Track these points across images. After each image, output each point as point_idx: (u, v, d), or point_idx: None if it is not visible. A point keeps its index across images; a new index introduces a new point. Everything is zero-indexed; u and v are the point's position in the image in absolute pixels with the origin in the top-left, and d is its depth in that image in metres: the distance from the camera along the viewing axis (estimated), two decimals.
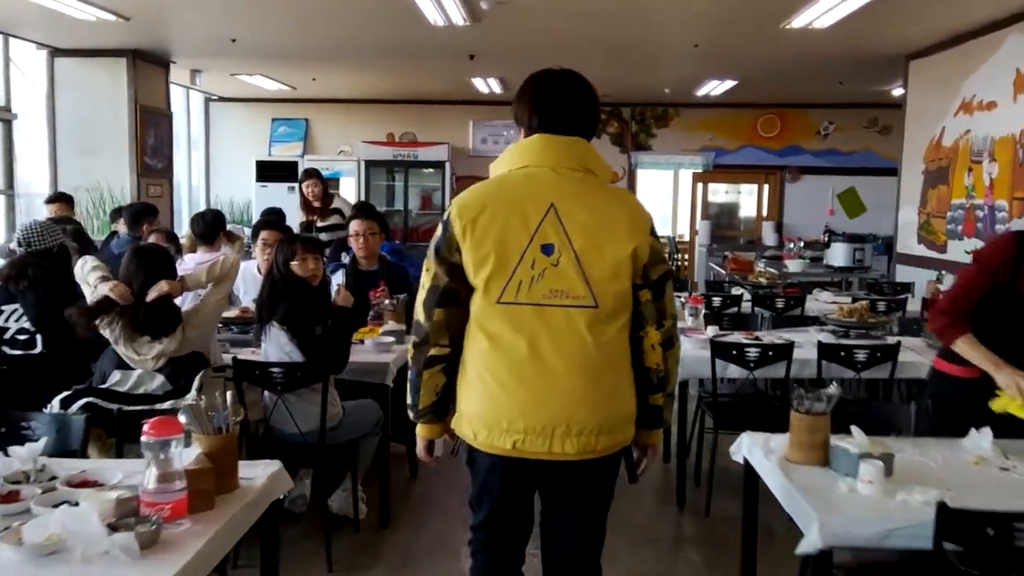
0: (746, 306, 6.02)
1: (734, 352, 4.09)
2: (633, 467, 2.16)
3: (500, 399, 1.95)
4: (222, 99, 11.80)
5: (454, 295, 2.00)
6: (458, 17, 6.29)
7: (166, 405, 3.31)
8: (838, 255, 8.00)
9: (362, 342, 4.21)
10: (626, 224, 2.00)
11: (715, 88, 9.78)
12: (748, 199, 12.00)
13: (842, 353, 4.06)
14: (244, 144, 11.69)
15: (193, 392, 3.29)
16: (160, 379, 3.32)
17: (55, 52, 7.91)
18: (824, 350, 4.07)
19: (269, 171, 11.19)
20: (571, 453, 1.95)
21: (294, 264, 3.59)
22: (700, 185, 11.88)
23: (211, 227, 5.57)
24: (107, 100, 7.96)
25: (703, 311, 4.59)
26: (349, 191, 11.39)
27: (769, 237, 11.27)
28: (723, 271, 8.62)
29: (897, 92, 9.81)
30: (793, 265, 8.17)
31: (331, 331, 3.55)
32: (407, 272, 4.89)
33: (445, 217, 2.02)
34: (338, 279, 4.23)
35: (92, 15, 6.35)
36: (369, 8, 6.34)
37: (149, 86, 8.23)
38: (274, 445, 3.57)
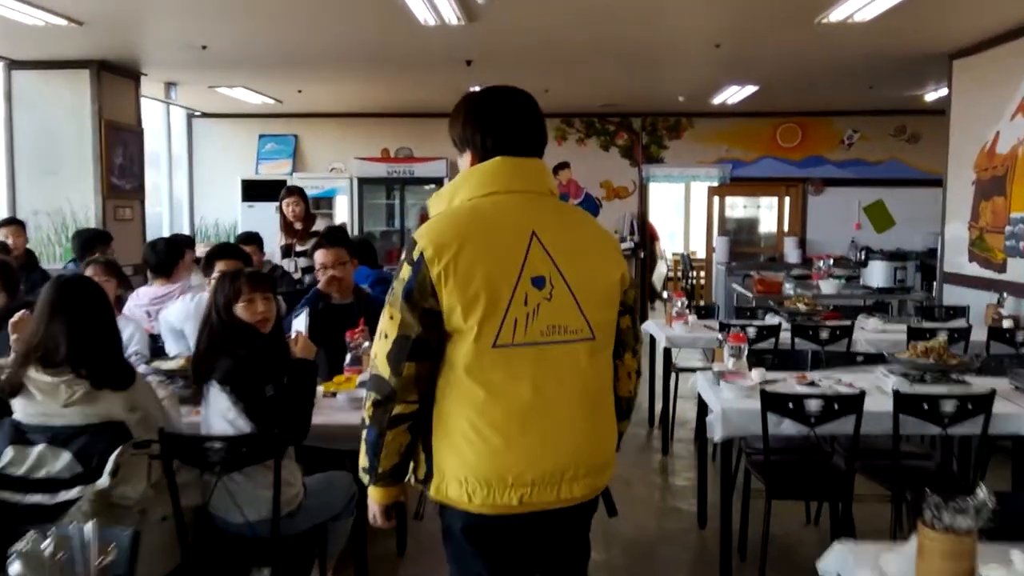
0: (784, 336, 5.28)
1: (790, 405, 3.32)
2: (611, 500, 2.03)
3: (502, 453, 1.77)
4: (205, 115, 11.11)
5: (426, 346, 1.77)
6: (451, 15, 5.57)
7: (72, 494, 2.58)
8: (877, 275, 7.24)
9: (334, 395, 3.46)
10: (610, 248, 1.97)
11: (733, 95, 9.05)
12: (768, 214, 11.25)
13: (925, 405, 3.29)
14: (230, 162, 11.00)
15: (105, 477, 2.55)
16: (66, 457, 2.58)
17: (12, 64, 7.22)
18: (902, 402, 3.30)
19: (256, 191, 10.48)
20: (579, 496, 1.85)
21: (239, 307, 2.85)
22: (716, 199, 11.14)
23: (165, 257, 4.85)
24: (69, 115, 7.25)
25: (746, 350, 3.82)
26: (343, 210, 10.71)
27: (792, 254, 10.51)
28: (747, 292, 7.86)
29: (931, 97, 9.10)
30: (827, 286, 7.42)
31: (287, 391, 2.80)
32: None
33: (415, 257, 1.75)
34: (300, 324, 3.46)
35: (41, 19, 5.64)
36: (352, 7, 5.62)
37: (116, 100, 7.52)
38: (216, 538, 2.82)
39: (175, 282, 4.88)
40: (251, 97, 9.40)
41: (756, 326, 5.31)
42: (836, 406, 3.31)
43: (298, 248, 6.65)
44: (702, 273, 12.71)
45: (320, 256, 3.91)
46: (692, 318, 5.67)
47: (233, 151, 11.10)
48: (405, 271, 1.75)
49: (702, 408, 4.11)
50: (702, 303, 7.44)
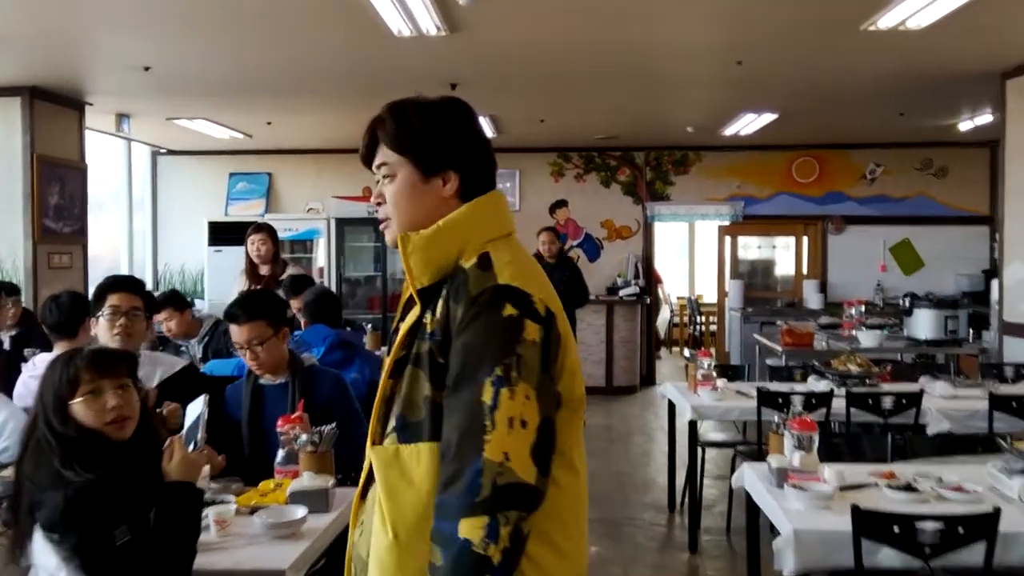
0: (837, 404, 4.33)
1: (895, 528, 2.35)
2: None
3: (582, 555, 1.38)
4: (172, 152, 10.21)
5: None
6: (429, 24, 4.68)
7: None
8: (924, 324, 6.27)
9: (251, 513, 2.48)
10: None
11: (748, 125, 8.17)
12: (785, 254, 10.32)
13: None
14: (198, 203, 10.05)
15: None
16: None
17: None
18: None
19: (224, 233, 9.48)
20: None
21: (76, 403, 1.88)
22: (728, 239, 10.21)
23: (68, 316, 3.85)
24: None
25: (816, 441, 2.85)
26: (322, 254, 9.76)
27: (813, 299, 9.57)
28: (773, 345, 6.89)
29: (965, 126, 8.26)
30: (866, 338, 6.45)
31: (153, 535, 1.82)
32: (339, 383, 3.15)
33: (541, 311, 1.31)
34: (193, 414, 2.44)
35: None
36: (314, 17, 4.74)
37: (53, 132, 6.60)
38: None
39: (84, 342, 3.90)
40: (216, 131, 8.51)
41: (802, 393, 4.35)
42: (961, 530, 2.33)
43: None
44: (711, 319, 11.76)
45: (234, 333, 2.93)
46: (721, 382, 4.70)
47: (202, 191, 10.18)
48: (533, 331, 1.30)
49: (739, 495, 3.13)
50: (713, 351, 6.49)
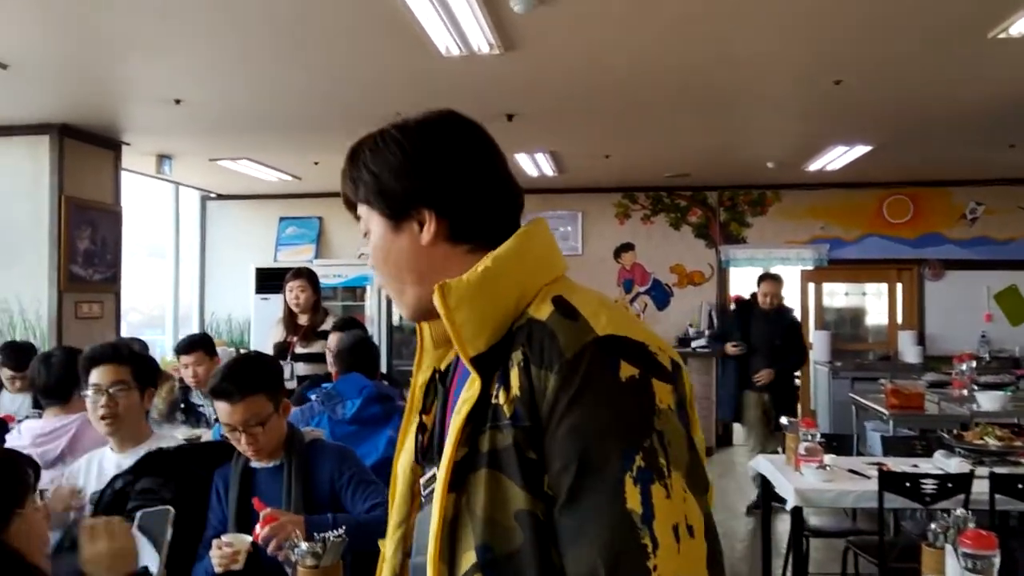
0: (978, 486, 3.53)
1: None
2: None
3: None
4: (221, 196, 9.86)
5: None
6: (480, 40, 4.10)
7: None
8: None
9: None
10: None
11: (836, 159, 7.40)
12: (876, 302, 9.39)
13: None
14: (247, 249, 9.66)
15: None
16: None
17: None
18: None
19: (271, 280, 8.98)
20: None
21: None
22: (812, 285, 9.33)
23: (60, 379, 3.31)
24: (24, 191, 5.94)
25: (996, 565, 2.07)
26: (372, 303, 9.23)
27: (909, 352, 8.62)
28: (872, 405, 6.03)
29: None
30: (986, 400, 5.56)
31: None
32: (343, 457, 2.44)
33: (668, 368, 0.98)
34: (156, 525, 1.80)
35: None
36: (356, 43, 4.20)
37: (85, 173, 6.20)
38: None
39: (73, 412, 3.33)
40: (263, 173, 8.09)
41: (935, 477, 3.54)
42: None
43: (298, 349, 5.24)
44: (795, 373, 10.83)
45: (222, 414, 2.28)
46: (829, 458, 3.90)
47: (251, 237, 9.81)
48: (665, 395, 0.94)
49: None
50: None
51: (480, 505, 0.94)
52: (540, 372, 0.94)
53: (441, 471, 0.98)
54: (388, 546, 1.15)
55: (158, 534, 1.75)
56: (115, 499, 2.25)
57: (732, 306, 7.02)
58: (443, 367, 1.14)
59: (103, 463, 2.58)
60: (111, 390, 2.60)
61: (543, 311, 0.99)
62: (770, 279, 6.54)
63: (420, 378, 1.16)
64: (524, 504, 0.93)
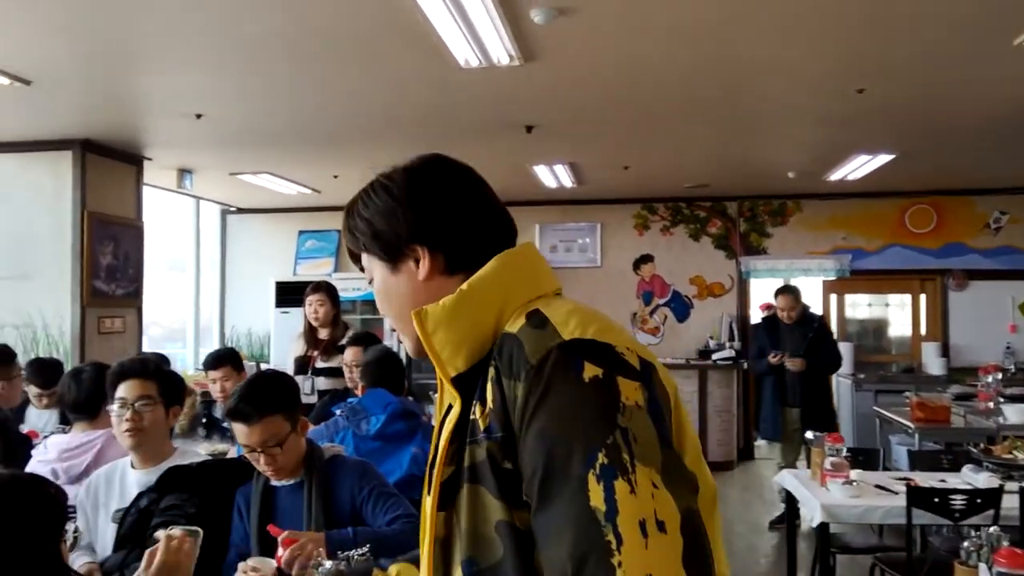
0: (1007, 501, 3.46)
1: None
2: None
3: None
4: (241, 210, 9.91)
5: None
6: (500, 51, 4.09)
7: None
8: None
9: None
10: None
11: (858, 169, 7.33)
12: (899, 313, 9.28)
13: None
14: (267, 263, 9.71)
15: None
16: None
17: None
18: None
19: (290, 294, 9.03)
20: None
21: None
22: (834, 296, 9.25)
23: (90, 395, 3.32)
24: (46, 206, 5.98)
25: None
26: None
27: (933, 364, 8.51)
28: (896, 418, 5.95)
29: None
30: (1013, 413, 5.48)
31: None
32: (363, 472, 2.42)
33: (635, 366, 0.97)
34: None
35: None
36: (375, 55, 4.20)
37: (107, 188, 6.24)
38: None
39: (99, 428, 3.33)
40: (283, 187, 8.12)
41: (964, 492, 3.48)
42: None
43: (319, 364, 5.24)
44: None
45: (240, 436, 2.27)
46: (856, 474, 3.83)
47: (271, 250, 9.85)
48: (631, 391, 0.94)
49: None
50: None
51: (464, 519, 0.97)
52: (510, 383, 0.96)
53: (432, 491, 1.01)
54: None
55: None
56: (140, 517, 2.23)
57: (759, 318, 6.92)
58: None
59: (125, 479, 2.57)
60: (136, 404, 2.61)
61: (516, 325, 1.02)
62: (783, 294, 6.45)
63: (449, 424, 1.19)
64: (502, 515, 0.95)
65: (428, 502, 1.01)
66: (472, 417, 1.00)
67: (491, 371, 1.00)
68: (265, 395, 2.24)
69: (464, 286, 1.06)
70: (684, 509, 0.89)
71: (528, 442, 0.93)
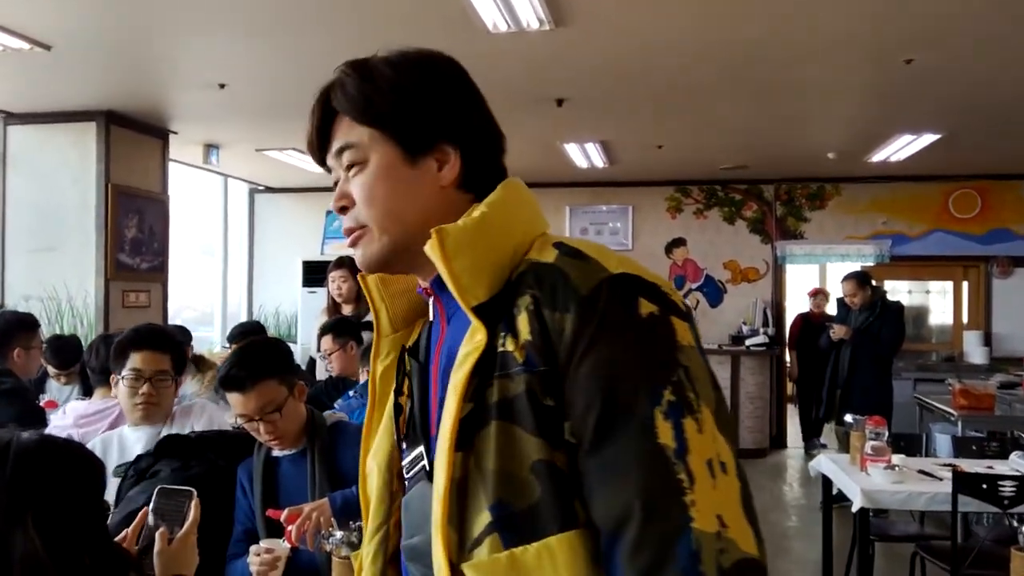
0: None
1: None
2: None
3: None
4: (270, 189, 9.86)
5: None
6: (530, 15, 3.93)
7: None
8: None
9: None
10: None
11: (901, 150, 7.07)
12: (940, 301, 9.01)
13: None
14: (295, 242, 9.65)
15: None
16: None
17: (8, 117, 6.00)
18: None
19: (317, 273, 8.96)
20: None
21: None
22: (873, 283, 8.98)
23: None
24: (71, 179, 5.94)
25: None
26: None
27: (975, 352, 8.25)
28: (938, 405, 5.74)
29: None
30: None
31: None
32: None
33: (683, 308, 0.94)
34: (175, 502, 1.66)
35: None
36: (402, 20, 4.07)
37: (132, 160, 6.18)
38: None
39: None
40: (309, 163, 7.96)
41: (1013, 479, 3.28)
42: None
43: None
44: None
45: (236, 405, 2.15)
46: (898, 459, 3.65)
47: (300, 229, 9.78)
48: (685, 333, 0.91)
49: None
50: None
51: (492, 460, 0.89)
52: (554, 314, 0.90)
53: (445, 430, 0.91)
54: (365, 555, 1.10)
55: (173, 521, 1.60)
56: (138, 479, 2.13)
57: (806, 306, 6.78)
58: (410, 344, 1.10)
59: (124, 440, 2.48)
60: (153, 379, 2.49)
61: (547, 255, 0.94)
62: (846, 280, 6.39)
63: (381, 367, 1.12)
64: (541, 454, 0.88)
65: (442, 443, 0.91)
66: (502, 350, 0.91)
67: (525, 301, 0.92)
68: (257, 360, 2.13)
69: (485, 208, 0.98)
70: (736, 452, 0.88)
71: (580, 378, 0.88)
